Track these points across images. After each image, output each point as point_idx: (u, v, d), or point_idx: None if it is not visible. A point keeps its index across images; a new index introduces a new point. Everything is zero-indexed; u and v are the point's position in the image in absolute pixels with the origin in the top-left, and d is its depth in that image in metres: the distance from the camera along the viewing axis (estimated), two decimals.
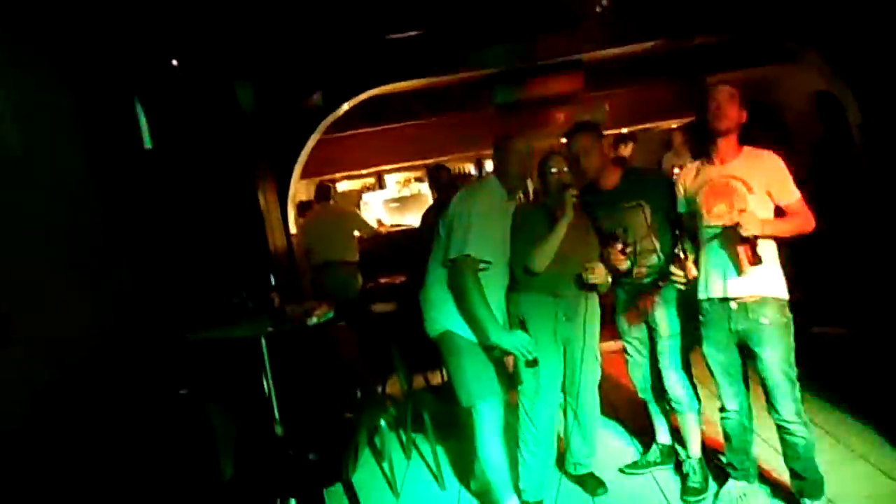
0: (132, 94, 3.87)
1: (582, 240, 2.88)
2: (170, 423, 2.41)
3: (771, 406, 2.55)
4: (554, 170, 2.88)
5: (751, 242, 2.34)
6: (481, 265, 2.65)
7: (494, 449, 2.76)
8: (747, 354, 2.59)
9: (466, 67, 5.83)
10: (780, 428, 2.57)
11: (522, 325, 2.83)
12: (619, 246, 2.78)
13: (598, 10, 4.30)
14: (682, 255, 2.58)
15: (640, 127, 7.83)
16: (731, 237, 2.42)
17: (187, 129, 4.01)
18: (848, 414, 3.47)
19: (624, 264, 2.80)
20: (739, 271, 2.44)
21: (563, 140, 3.00)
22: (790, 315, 2.51)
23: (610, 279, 2.86)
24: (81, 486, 2.29)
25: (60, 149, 3.00)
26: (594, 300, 2.99)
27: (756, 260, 2.36)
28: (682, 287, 2.64)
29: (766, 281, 2.47)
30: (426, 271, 2.90)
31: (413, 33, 5.34)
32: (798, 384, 2.52)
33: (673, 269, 2.65)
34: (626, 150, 6.20)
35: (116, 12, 3.45)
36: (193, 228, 3.63)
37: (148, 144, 3.88)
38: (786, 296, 2.51)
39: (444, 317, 2.77)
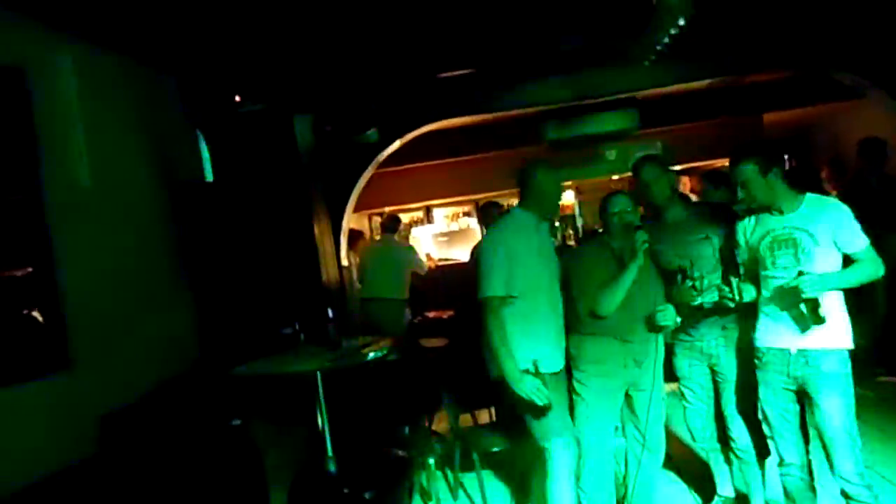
0: (196, 129, 4.02)
1: (648, 281, 2.80)
2: (222, 454, 2.41)
3: (830, 463, 2.43)
4: (617, 209, 2.82)
5: (812, 303, 2.31)
6: (509, 300, 2.62)
7: (566, 490, 2.65)
8: (805, 404, 2.49)
9: (518, 104, 5.86)
10: (841, 490, 2.43)
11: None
12: (689, 282, 2.69)
13: (658, 48, 4.26)
14: (730, 279, 2.55)
15: (694, 164, 7.69)
16: (793, 296, 2.37)
17: (247, 162, 4.12)
18: None
19: (695, 300, 2.70)
20: (802, 329, 2.41)
21: (615, 177, 2.96)
22: (850, 367, 2.41)
23: (679, 320, 2.76)
24: None
25: (130, 182, 3.11)
26: (661, 342, 2.88)
27: (818, 320, 2.32)
28: (730, 304, 2.56)
29: (829, 332, 2.39)
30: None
31: (465, 71, 5.41)
32: (859, 442, 2.40)
33: (722, 287, 2.56)
34: (685, 187, 6.07)
35: (184, 48, 3.59)
36: (250, 259, 3.69)
37: (210, 177, 4.02)
38: (849, 346, 2.42)
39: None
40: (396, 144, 5.70)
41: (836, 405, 2.38)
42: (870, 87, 5.31)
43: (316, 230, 3.93)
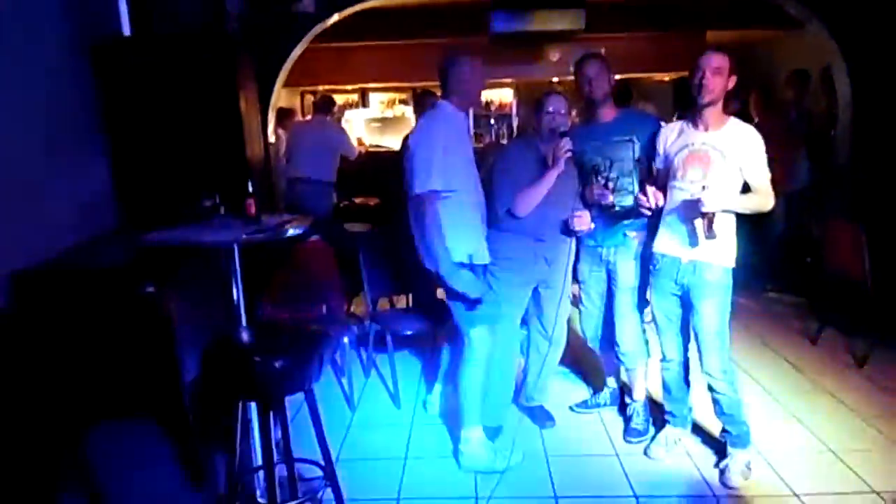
0: None
1: (568, 185, 2.88)
2: (133, 321, 2.41)
3: (700, 361, 2.71)
4: (552, 109, 2.83)
5: (709, 218, 2.45)
6: (444, 194, 2.60)
7: (477, 376, 2.81)
8: (687, 308, 2.71)
9: None
10: (708, 384, 2.73)
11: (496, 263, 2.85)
12: (602, 180, 2.79)
13: None
14: (647, 187, 2.64)
15: (634, 76, 7.73)
16: (693, 209, 2.50)
17: (171, 22, 3.82)
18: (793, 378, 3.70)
19: (607, 199, 2.80)
20: (695, 242, 2.58)
21: (556, 79, 2.94)
22: (730, 281, 2.63)
23: (593, 225, 2.86)
24: (45, 378, 2.33)
25: (39, 30, 2.85)
26: (573, 244, 3.01)
27: (711, 235, 2.48)
28: (647, 213, 2.67)
29: (718, 249, 2.58)
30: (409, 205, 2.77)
31: None
32: (727, 346, 2.66)
33: (640, 196, 2.66)
34: None
35: None
36: (171, 127, 3.53)
37: (127, 32, 3.71)
38: (732, 265, 2.62)
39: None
40: (335, 18, 5.38)
41: (712, 311, 2.62)
42: (812, 18, 5.38)
43: (242, 102, 3.74)
